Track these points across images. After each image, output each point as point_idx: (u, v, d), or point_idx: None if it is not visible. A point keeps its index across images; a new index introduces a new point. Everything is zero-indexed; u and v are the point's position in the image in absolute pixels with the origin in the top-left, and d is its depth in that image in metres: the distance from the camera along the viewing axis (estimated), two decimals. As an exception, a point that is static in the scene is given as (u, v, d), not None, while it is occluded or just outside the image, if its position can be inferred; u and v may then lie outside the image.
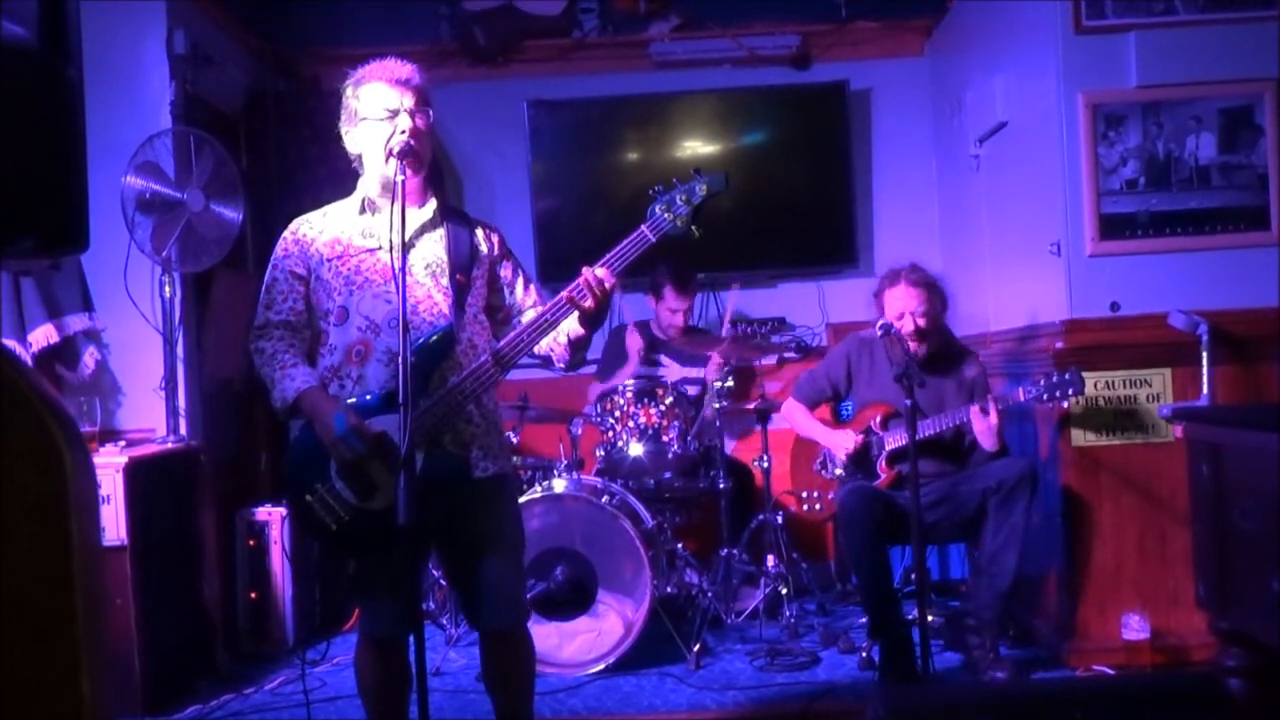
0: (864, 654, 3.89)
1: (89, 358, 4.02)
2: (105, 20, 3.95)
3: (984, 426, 3.66)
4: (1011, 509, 3.63)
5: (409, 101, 2.56)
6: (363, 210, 2.65)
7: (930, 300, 3.80)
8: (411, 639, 2.27)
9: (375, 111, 2.56)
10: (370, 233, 2.62)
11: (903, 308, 3.80)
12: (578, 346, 2.66)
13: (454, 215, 2.73)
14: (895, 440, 3.90)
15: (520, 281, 2.78)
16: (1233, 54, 3.73)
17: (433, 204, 2.67)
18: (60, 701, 1.00)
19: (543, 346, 2.63)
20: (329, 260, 2.61)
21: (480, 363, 2.53)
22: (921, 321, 3.78)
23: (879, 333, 3.67)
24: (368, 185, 2.66)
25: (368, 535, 2.52)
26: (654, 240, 2.53)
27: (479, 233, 2.72)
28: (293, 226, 2.69)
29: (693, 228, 2.53)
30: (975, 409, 3.67)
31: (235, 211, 4.12)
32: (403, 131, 2.53)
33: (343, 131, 2.66)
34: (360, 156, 2.64)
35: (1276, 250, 3.73)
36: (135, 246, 3.91)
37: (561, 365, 2.71)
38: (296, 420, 2.60)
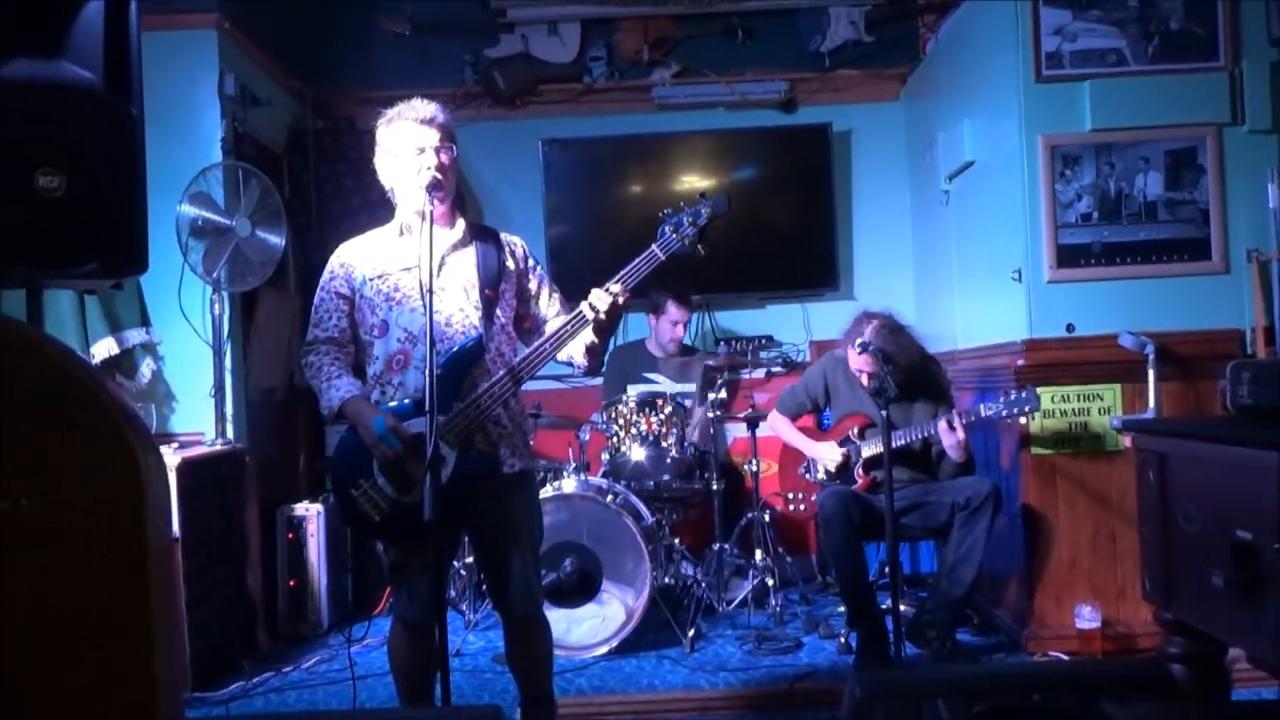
0: (842, 639, 3.89)
1: (146, 368, 4.05)
2: (163, 64, 3.97)
3: (952, 441, 3.67)
4: (975, 525, 3.63)
5: (434, 138, 2.58)
6: (401, 234, 2.67)
7: (880, 366, 3.55)
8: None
9: (405, 149, 2.58)
10: (406, 254, 2.63)
11: (857, 366, 3.91)
12: (594, 353, 2.67)
13: (481, 234, 2.73)
14: (871, 449, 3.92)
15: (545, 291, 2.79)
16: (1178, 101, 3.75)
17: (461, 224, 2.68)
18: (136, 682, 1.02)
19: (564, 355, 2.64)
20: (371, 280, 2.63)
21: (503, 373, 2.55)
22: (869, 381, 3.75)
23: (857, 351, 3.69)
24: (403, 213, 2.68)
25: (406, 525, 2.52)
26: (663, 259, 2.55)
27: (505, 248, 2.72)
28: (338, 252, 2.71)
29: (699, 247, 2.55)
30: (943, 424, 3.68)
31: (278, 237, 4.14)
32: (429, 168, 2.55)
33: (377, 167, 2.68)
34: (394, 189, 2.67)
35: (1216, 278, 3.75)
36: (189, 268, 3.93)
37: (581, 371, 2.72)
38: (340, 425, 2.62)
